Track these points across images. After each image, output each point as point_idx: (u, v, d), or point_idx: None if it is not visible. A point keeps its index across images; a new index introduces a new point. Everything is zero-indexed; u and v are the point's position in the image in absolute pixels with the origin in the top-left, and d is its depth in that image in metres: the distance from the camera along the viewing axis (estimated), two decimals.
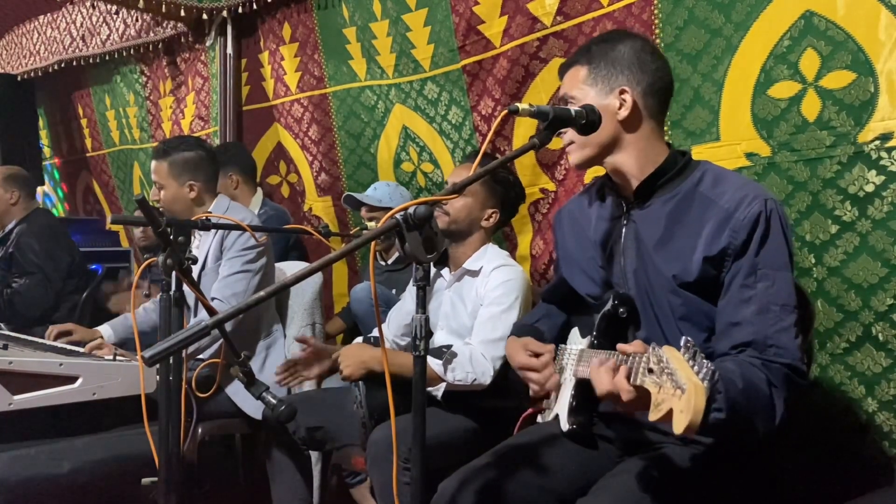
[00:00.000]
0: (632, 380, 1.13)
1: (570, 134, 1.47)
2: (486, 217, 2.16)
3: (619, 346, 1.19)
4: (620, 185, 1.50)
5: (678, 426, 0.97)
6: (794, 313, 1.31)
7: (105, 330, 2.69)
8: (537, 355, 1.54)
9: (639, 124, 1.45)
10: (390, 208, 2.73)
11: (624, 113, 1.43)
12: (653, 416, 1.03)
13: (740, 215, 1.33)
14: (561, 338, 1.67)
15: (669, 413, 0.99)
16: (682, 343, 1.04)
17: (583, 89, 1.46)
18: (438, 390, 1.96)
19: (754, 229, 1.32)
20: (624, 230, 1.49)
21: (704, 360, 1.00)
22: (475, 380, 1.96)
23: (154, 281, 3.28)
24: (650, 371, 1.07)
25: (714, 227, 1.35)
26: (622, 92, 1.43)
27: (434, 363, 1.93)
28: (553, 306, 1.75)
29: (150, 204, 1.58)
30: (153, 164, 2.46)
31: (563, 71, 1.53)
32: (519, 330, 1.72)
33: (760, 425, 1.23)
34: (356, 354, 2.02)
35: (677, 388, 0.98)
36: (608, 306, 1.45)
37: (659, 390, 1.03)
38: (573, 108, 1.37)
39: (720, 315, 1.35)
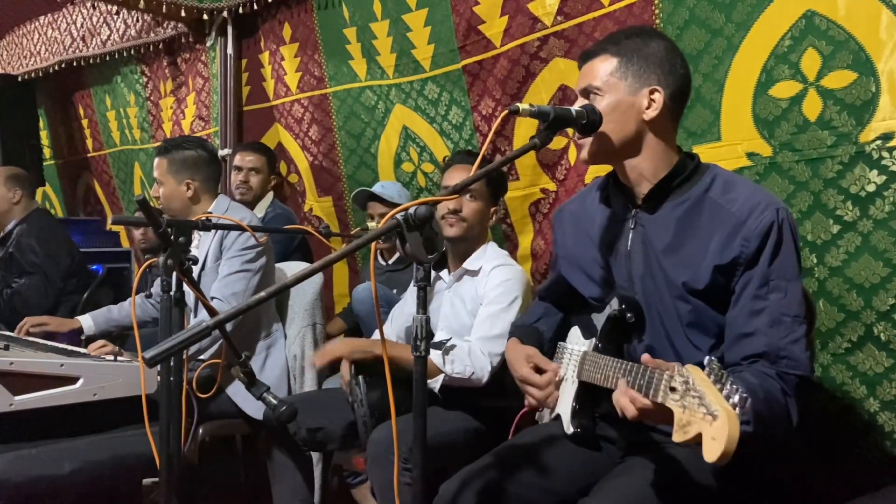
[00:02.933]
0: (651, 396, 1.12)
1: None
2: (490, 216, 2.19)
3: (644, 357, 1.18)
4: (629, 187, 1.48)
5: (711, 454, 0.94)
6: (805, 324, 1.31)
7: (85, 320, 2.75)
8: (539, 370, 1.52)
9: (661, 126, 1.42)
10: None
11: (652, 113, 1.40)
12: (678, 437, 1.01)
13: (752, 224, 1.31)
14: (559, 336, 1.66)
15: (698, 437, 0.97)
16: (705, 363, 1.01)
17: (610, 82, 1.40)
18: (436, 382, 1.96)
19: (766, 239, 1.31)
20: (631, 234, 1.47)
21: (734, 385, 0.97)
22: (473, 374, 1.96)
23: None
24: (672, 389, 1.05)
25: (725, 235, 1.33)
26: (653, 91, 1.39)
27: (433, 354, 1.94)
28: (550, 305, 1.74)
29: (151, 202, 1.59)
30: (155, 160, 2.51)
31: (585, 59, 1.46)
32: (518, 331, 1.71)
33: (780, 435, 1.23)
34: (351, 340, 2.05)
35: (708, 413, 0.96)
36: (614, 310, 1.44)
37: (683, 411, 1.01)
38: (574, 108, 1.37)
39: (731, 324, 1.34)
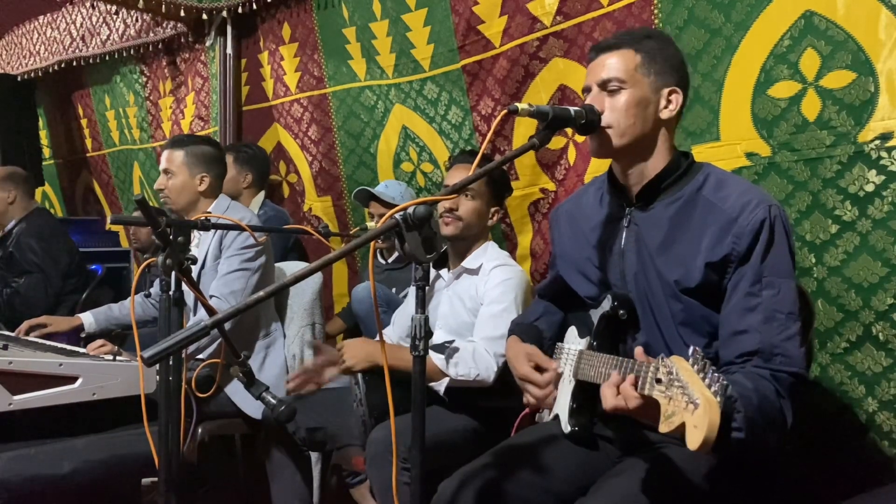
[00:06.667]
0: (639, 388, 1.12)
1: (608, 115, 1.40)
2: (490, 216, 2.18)
3: (637, 351, 1.19)
4: (624, 185, 1.49)
5: (693, 442, 0.96)
6: (798, 321, 1.31)
7: (86, 318, 2.77)
8: (540, 369, 1.52)
9: (672, 127, 1.45)
10: None
11: (668, 114, 1.42)
12: (663, 427, 1.02)
13: (744, 221, 1.32)
14: (559, 335, 1.66)
15: (681, 426, 0.99)
16: (689, 353, 1.02)
17: (635, 77, 1.40)
18: (441, 385, 1.96)
19: (758, 236, 1.31)
20: (624, 232, 1.48)
21: (716, 374, 0.99)
22: (478, 375, 1.95)
23: None
24: (658, 381, 1.06)
25: (717, 233, 1.34)
26: (672, 92, 1.42)
27: (437, 358, 1.93)
28: (550, 304, 1.75)
29: (150, 201, 1.58)
30: (166, 152, 2.49)
31: (602, 52, 1.44)
32: (518, 328, 1.71)
33: (773, 438, 1.23)
34: (360, 347, 2.03)
35: (690, 402, 0.97)
36: (607, 308, 1.44)
37: (669, 402, 1.02)
38: (573, 107, 1.37)
39: (724, 322, 1.34)
